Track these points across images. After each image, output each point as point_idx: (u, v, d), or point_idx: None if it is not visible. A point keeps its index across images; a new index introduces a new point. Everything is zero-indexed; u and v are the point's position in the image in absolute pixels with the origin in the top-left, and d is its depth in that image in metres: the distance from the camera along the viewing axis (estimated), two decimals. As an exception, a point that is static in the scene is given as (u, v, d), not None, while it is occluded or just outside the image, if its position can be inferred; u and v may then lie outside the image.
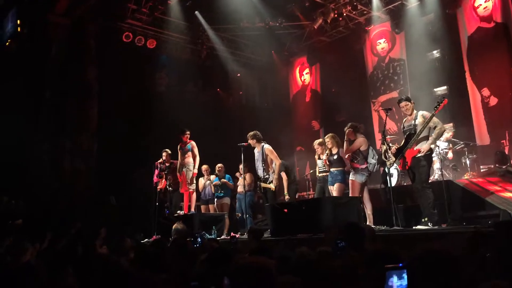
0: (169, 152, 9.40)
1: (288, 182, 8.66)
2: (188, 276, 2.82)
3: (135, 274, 2.45)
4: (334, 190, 7.40)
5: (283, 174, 8.49)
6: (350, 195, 7.06)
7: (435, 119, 6.17)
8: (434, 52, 10.81)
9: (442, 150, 8.50)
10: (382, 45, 12.12)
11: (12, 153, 9.30)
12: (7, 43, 10.47)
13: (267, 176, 7.93)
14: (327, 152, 7.75)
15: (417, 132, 6.17)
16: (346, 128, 7.25)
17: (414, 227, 6.17)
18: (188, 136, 9.18)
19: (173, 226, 6.60)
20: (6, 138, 9.14)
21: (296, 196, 9.27)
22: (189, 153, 9.13)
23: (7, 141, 9.16)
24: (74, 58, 10.59)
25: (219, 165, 9.68)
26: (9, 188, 8.85)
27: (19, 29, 10.35)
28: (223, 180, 9.59)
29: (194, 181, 9.22)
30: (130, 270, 2.49)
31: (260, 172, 8.05)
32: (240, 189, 9.38)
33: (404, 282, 1.78)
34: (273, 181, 7.86)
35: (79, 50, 10.71)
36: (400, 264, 1.83)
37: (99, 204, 9.78)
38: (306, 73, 14.13)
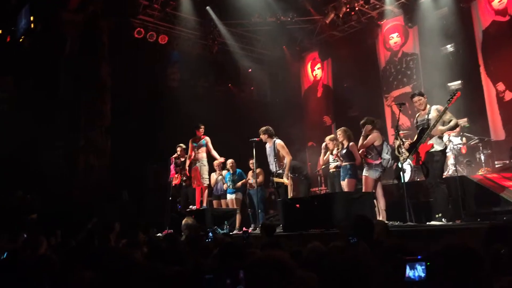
0: (184, 147, 9.46)
1: (299, 178, 8.66)
2: (201, 269, 2.83)
3: (149, 266, 2.47)
4: (344, 185, 7.39)
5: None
6: (363, 191, 7.00)
7: (449, 113, 6.10)
8: (448, 46, 10.68)
9: (456, 145, 8.41)
10: (395, 39, 12.00)
11: (27, 148, 9.42)
12: (20, 40, 10.58)
13: (280, 171, 7.92)
14: (338, 147, 7.76)
15: (431, 127, 6.11)
16: (362, 122, 7.17)
17: (427, 223, 6.11)
18: (203, 131, 9.24)
19: (183, 221, 6.63)
20: (21, 133, 9.26)
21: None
22: (203, 148, 9.18)
23: (22, 137, 9.27)
24: (87, 54, 10.67)
25: (230, 160, 9.68)
26: (24, 183, 8.97)
27: (32, 26, 10.45)
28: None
29: (208, 176, 9.26)
30: (144, 263, 2.50)
31: (272, 167, 8.04)
32: (251, 184, 9.39)
33: (423, 274, 1.77)
34: (284, 176, 7.85)
35: (91, 46, 10.78)
36: (419, 257, 1.82)
37: (112, 199, 9.87)
38: (317, 68, 14.06)
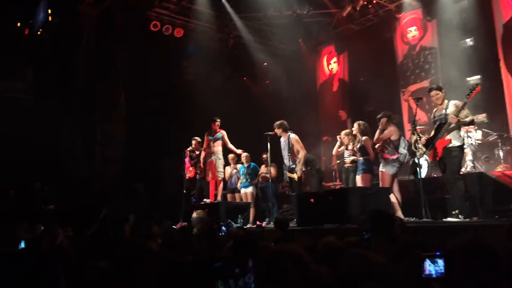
0: (199, 140, 9.49)
1: (312, 172, 8.62)
2: (213, 259, 2.84)
3: (161, 255, 2.49)
4: (359, 180, 7.34)
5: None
6: (380, 186, 6.93)
7: (466, 109, 6.00)
8: (467, 40, 10.49)
9: (474, 141, 8.28)
10: (413, 33, 11.83)
11: (45, 140, 9.56)
12: (38, 33, 10.72)
13: (293, 166, 7.91)
14: (354, 141, 7.71)
15: (448, 122, 6.02)
16: (379, 116, 7.10)
17: (444, 220, 6.05)
18: (219, 124, 9.27)
19: (193, 215, 6.66)
20: (39, 125, 9.40)
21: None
22: (219, 142, 9.21)
23: (40, 129, 9.42)
24: (103, 47, 10.77)
25: (245, 154, 9.69)
26: (42, 174, 9.13)
27: (50, 19, 10.58)
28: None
29: (223, 170, 9.30)
30: (157, 252, 2.53)
31: (286, 161, 8.03)
32: (264, 178, 9.40)
33: (443, 270, 1.75)
34: (297, 172, 7.83)
35: (107, 39, 10.88)
36: (438, 253, 1.80)
37: (127, 191, 9.98)
38: (333, 62, 13.95)
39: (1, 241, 4.36)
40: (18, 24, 10.66)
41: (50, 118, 9.60)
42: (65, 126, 9.99)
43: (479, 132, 8.55)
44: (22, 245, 4.38)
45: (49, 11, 10.54)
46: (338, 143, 8.26)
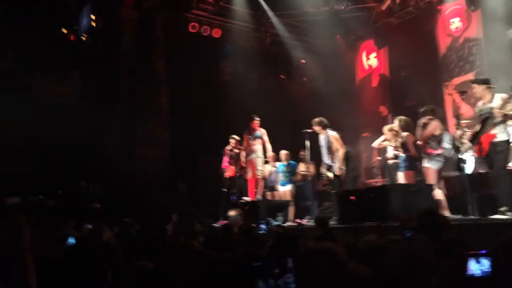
0: (237, 138, 9.57)
1: (348, 169, 8.49)
2: (252, 258, 2.88)
3: (203, 253, 2.54)
4: (401, 177, 7.19)
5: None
6: (427, 183, 6.74)
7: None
8: (515, 29, 10.05)
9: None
10: (456, 24, 11.44)
11: (89, 140, 9.95)
12: (83, 38, 11.14)
13: (331, 164, 7.84)
14: (396, 138, 7.55)
15: (493, 115, 5.79)
16: (422, 110, 6.90)
17: (491, 217, 5.83)
18: (258, 123, 9.32)
19: (230, 213, 6.73)
20: (84, 127, 9.78)
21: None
22: (259, 140, 9.26)
23: (84, 131, 9.80)
24: (143, 49, 11.06)
25: (284, 151, 9.69)
26: (86, 173, 9.49)
27: (93, 24, 10.98)
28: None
29: (263, 168, 9.35)
30: (200, 250, 2.58)
31: (325, 159, 7.97)
32: (303, 175, 9.37)
33: (487, 269, 1.70)
34: (336, 170, 7.72)
35: (148, 42, 11.17)
36: (483, 251, 1.75)
37: (169, 190, 10.21)
38: (373, 57, 13.70)
39: (50, 239, 4.56)
40: (65, 30, 11.12)
41: (94, 120, 9.96)
42: (109, 127, 10.33)
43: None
44: (70, 240, 4.57)
45: (92, 16, 10.94)
46: (382, 137, 8.11)
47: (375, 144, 8.35)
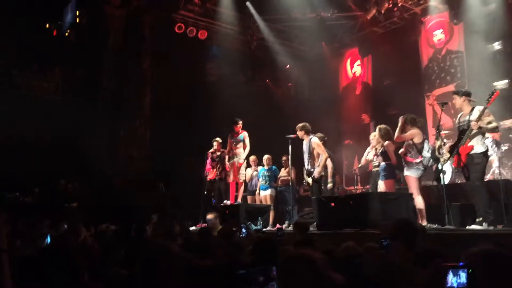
0: (220, 141, 9.53)
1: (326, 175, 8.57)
2: (234, 265, 2.87)
3: (185, 259, 2.52)
4: (381, 186, 7.27)
5: (329, 162, 8.35)
6: (409, 191, 6.79)
7: (490, 115, 5.88)
8: (495, 44, 10.26)
9: (501, 148, 8.09)
10: (438, 36, 11.65)
11: (71, 137, 9.80)
12: (66, 34, 10.98)
13: (312, 170, 7.88)
14: (377, 145, 7.64)
15: (470, 128, 5.90)
16: (404, 116, 6.93)
17: (467, 227, 5.94)
18: (241, 126, 9.31)
19: (208, 216, 6.70)
20: (65, 124, 9.64)
21: (335, 190, 9.22)
22: (241, 144, 9.25)
23: (66, 128, 9.66)
24: (129, 48, 10.97)
25: (266, 156, 9.69)
26: (65, 172, 9.34)
27: (78, 20, 10.83)
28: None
29: (244, 171, 9.33)
30: (181, 255, 2.55)
31: (306, 164, 8.01)
32: (283, 180, 9.39)
33: (463, 282, 1.72)
34: (315, 174, 7.77)
35: (134, 40, 11.08)
36: (461, 263, 1.77)
37: (149, 190, 10.12)
38: (357, 65, 13.85)
39: (25, 238, 4.48)
40: (47, 25, 10.95)
41: (76, 117, 9.83)
42: (91, 125, 10.20)
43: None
44: (48, 239, 4.50)
45: (77, 12, 10.80)
46: (366, 152, 8.24)
47: (363, 161, 8.44)
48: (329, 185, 8.49)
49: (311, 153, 7.92)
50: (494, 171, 8.00)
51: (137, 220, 6.11)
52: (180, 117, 11.45)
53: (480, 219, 5.78)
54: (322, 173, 7.85)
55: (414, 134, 6.79)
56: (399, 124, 6.84)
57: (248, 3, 11.79)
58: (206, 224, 7.38)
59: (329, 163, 8.47)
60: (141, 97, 11.04)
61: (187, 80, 12.17)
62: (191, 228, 7.93)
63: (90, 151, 9.92)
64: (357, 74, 13.83)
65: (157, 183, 10.34)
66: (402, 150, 6.90)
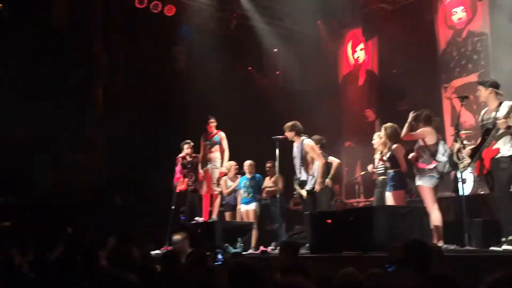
0: (192, 144, 9.47)
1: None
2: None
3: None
4: (388, 198, 7.31)
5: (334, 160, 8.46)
6: (425, 205, 6.83)
7: None
8: (528, 24, 10.46)
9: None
10: (459, 14, 11.81)
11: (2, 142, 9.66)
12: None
13: (303, 179, 7.92)
14: (383, 149, 7.63)
15: (496, 126, 5.97)
16: (417, 113, 6.93)
17: (491, 248, 6.03)
18: (214, 125, 9.27)
19: (174, 237, 6.70)
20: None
21: (333, 202, 9.28)
22: (217, 146, 9.24)
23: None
24: (77, 26, 10.87)
25: (248, 162, 9.70)
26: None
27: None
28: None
29: (221, 182, 9.33)
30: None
31: (298, 172, 8.05)
32: (268, 193, 9.42)
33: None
34: (316, 187, 7.81)
35: (82, 17, 10.99)
36: None
37: (102, 205, 10.05)
38: (360, 49, 13.96)
39: None
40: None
41: (6, 112, 9.68)
42: (25, 123, 10.03)
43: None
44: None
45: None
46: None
47: (369, 168, 8.46)
48: (327, 180, 8.47)
49: (303, 159, 7.96)
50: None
51: (86, 243, 6.07)
52: (141, 114, 11.40)
53: (509, 238, 5.87)
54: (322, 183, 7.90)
55: (425, 132, 6.82)
56: (408, 120, 6.85)
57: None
58: (172, 247, 7.37)
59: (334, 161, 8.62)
60: (91, 89, 10.96)
61: (151, 68, 12.11)
62: (153, 252, 7.90)
63: (24, 157, 9.80)
64: (360, 60, 13.94)
65: (113, 196, 10.28)
66: (413, 154, 6.94)
